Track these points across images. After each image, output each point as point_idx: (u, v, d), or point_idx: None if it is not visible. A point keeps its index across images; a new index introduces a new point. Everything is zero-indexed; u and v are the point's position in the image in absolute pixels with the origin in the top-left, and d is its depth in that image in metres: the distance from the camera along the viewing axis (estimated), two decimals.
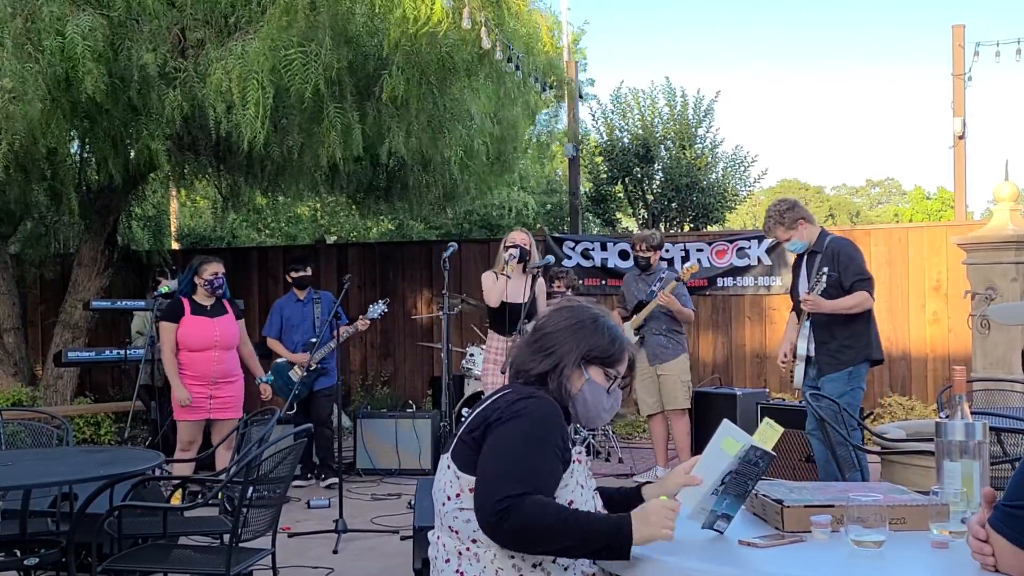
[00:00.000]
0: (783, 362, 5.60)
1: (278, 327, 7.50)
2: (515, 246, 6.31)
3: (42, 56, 5.63)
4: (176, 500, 4.92)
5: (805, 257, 5.53)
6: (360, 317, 7.42)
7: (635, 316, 7.07)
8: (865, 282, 5.26)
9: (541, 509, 2.06)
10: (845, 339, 5.25)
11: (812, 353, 5.34)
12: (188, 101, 5.90)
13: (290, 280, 7.57)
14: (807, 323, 5.32)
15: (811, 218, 5.53)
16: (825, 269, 5.18)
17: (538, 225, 12.78)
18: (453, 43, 6.03)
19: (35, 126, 5.91)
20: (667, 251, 9.48)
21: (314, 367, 7.20)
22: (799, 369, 5.42)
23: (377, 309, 7.36)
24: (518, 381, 2.35)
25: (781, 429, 2.33)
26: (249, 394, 6.61)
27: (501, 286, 6.26)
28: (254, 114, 5.68)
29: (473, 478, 2.16)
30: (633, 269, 7.52)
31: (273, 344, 7.47)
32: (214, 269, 6.29)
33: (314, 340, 7.24)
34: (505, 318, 6.19)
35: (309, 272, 7.58)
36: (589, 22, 24.43)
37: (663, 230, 11.60)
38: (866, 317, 5.31)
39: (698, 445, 7.00)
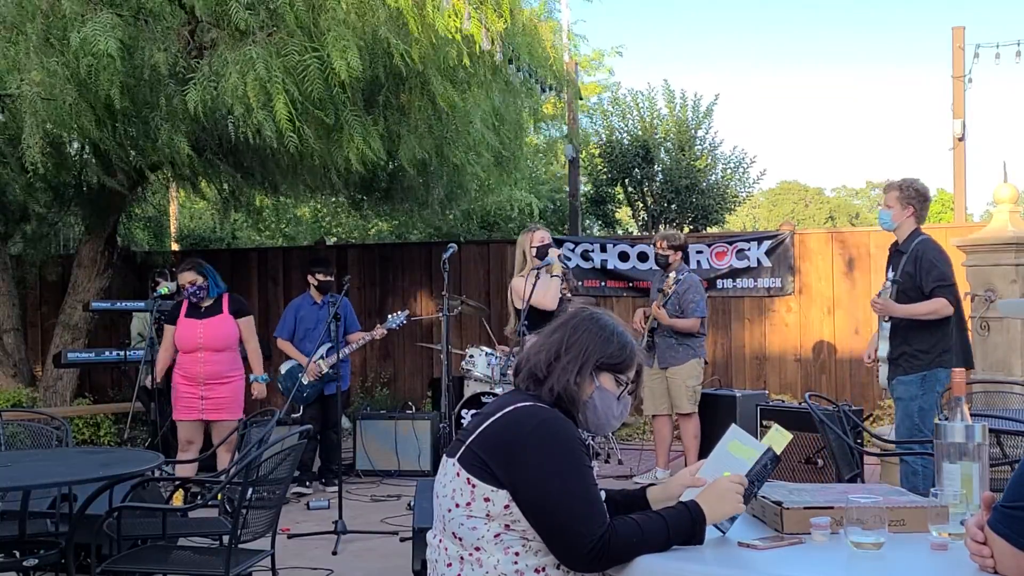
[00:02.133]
0: (868, 362, 5.41)
1: (291, 328, 7.29)
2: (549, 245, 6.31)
3: (67, 51, 5.64)
4: (177, 501, 4.92)
5: (895, 256, 5.28)
6: (378, 325, 7.31)
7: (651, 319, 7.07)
8: (946, 288, 5.00)
9: (628, 530, 2.12)
10: (922, 343, 5.03)
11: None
12: (208, 101, 5.93)
13: (315, 283, 7.34)
14: (887, 324, 5.13)
15: (921, 216, 5.18)
16: (890, 276, 5.00)
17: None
18: (470, 53, 6.06)
19: (65, 122, 5.92)
20: None
21: (325, 371, 7.09)
22: (884, 370, 5.21)
23: (397, 320, 7.19)
24: (528, 389, 2.34)
25: (790, 435, 2.35)
26: (249, 394, 6.57)
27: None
28: (284, 116, 5.73)
29: (491, 487, 2.16)
30: (658, 268, 7.50)
31: (285, 346, 7.30)
32: (186, 279, 6.21)
33: (330, 344, 7.14)
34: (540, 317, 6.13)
35: (333, 277, 7.44)
36: (624, 45, 24.96)
37: (661, 232, 11.59)
38: (949, 323, 5.06)
39: (701, 448, 7.01)
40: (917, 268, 5.02)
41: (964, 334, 5.21)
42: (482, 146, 7.66)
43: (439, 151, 7.37)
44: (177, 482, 5.53)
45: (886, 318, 5.15)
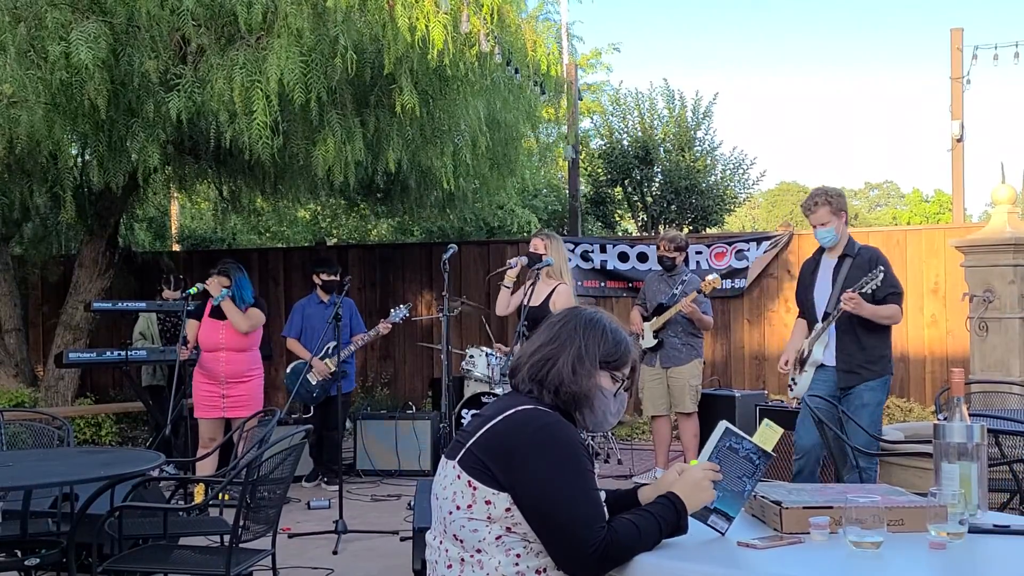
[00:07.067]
0: (783, 370, 5.40)
1: (299, 327, 7.41)
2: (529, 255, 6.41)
3: (45, 63, 5.66)
4: (199, 497, 4.99)
5: (831, 262, 5.21)
6: (381, 321, 7.35)
7: (656, 319, 7.08)
8: (898, 296, 5.08)
9: (627, 531, 2.14)
10: (879, 348, 5.09)
11: (833, 362, 5.11)
12: (192, 107, 5.92)
13: (319, 282, 7.49)
14: (831, 329, 5.08)
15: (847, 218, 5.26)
16: (881, 271, 4.92)
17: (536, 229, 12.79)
18: (453, 53, 6.02)
19: (37, 131, 5.95)
20: None
21: (333, 370, 7.14)
22: (806, 376, 5.20)
23: (399, 313, 7.28)
24: (529, 392, 2.33)
25: (781, 430, 2.35)
26: (266, 392, 6.67)
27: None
28: (261, 123, 5.71)
29: (492, 490, 2.16)
30: (656, 269, 7.53)
31: (293, 345, 7.41)
32: (220, 283, 6.46)
33: (334, 344, 7.15)
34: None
35: (338, 277, 7.54)
36: (621, 42, 25.27)
37: (661, 232, 11.61)
38: (891, 329, 5.18)
39: (700, 447, 7.03)
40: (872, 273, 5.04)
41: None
42: (477, 146, 7.63)
43: (434, 153, 7.35)
44: (180, 481, 5.55)
45: (832, 322, 5.09)
